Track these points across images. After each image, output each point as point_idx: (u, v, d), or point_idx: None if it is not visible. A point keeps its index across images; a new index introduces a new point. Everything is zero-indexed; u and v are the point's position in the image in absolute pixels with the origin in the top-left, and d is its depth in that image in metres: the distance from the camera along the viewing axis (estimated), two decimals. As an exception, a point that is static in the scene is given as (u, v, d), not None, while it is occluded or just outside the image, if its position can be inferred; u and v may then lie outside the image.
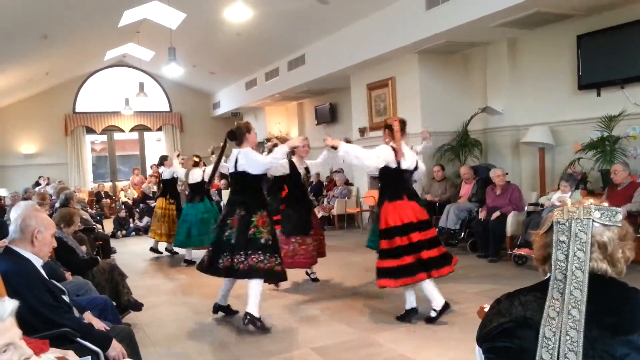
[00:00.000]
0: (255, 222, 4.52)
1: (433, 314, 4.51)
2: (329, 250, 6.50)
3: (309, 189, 7.75)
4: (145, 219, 11.86)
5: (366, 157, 4.56)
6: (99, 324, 2.97)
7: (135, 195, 13.70)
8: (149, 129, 17.13)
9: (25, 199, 8.73)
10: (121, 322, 3.79)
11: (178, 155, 8.55)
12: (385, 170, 4.59)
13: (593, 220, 1.33)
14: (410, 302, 4.60)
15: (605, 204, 1.37)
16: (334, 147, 4.59)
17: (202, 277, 6.84)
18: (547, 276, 1.41)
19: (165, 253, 8.75)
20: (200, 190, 7.82)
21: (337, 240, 8.87)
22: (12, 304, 1.63)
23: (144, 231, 11.65)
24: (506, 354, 1.36)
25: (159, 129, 17.22)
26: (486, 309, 1.74)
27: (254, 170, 4.61)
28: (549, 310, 1.30)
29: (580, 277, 1.29)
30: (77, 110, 16.16)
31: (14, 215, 2.82)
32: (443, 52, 8.38)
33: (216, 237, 4.68)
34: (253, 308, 4.46)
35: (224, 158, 5.09)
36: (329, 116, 12.59)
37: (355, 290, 5.76)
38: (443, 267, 4.53)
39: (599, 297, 1.29)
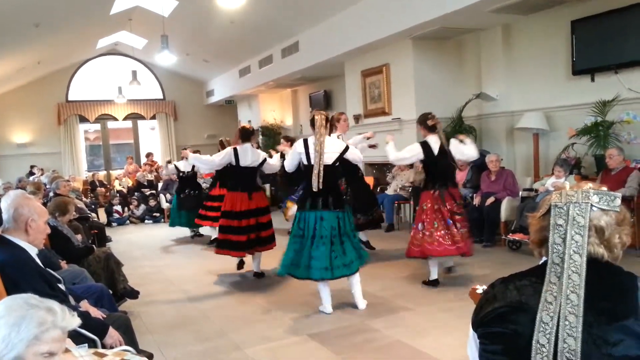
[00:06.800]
0: None
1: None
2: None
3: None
4: (142, 207, 11.86)
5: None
6: (96, 312, 2.98)
7: (130, 184, 13.68)
8: (142, 117, 17.02)
9: (19, 188, 8.68)
10: (117, 310, 3.80)
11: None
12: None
13: (591, 205, 1.31)
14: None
15: (604, 188, 1.35)
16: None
17: (196, 264, 6.90)
18: (543, 260, 1.40)
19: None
20: None
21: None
22: (78, 321, 1.66)
23: (141, 220, 11.66)
24: (500, 339, 1.35)
25: (153, 117, 17.10)
26: (478, 291, 1.74)
27: None
28: (546, 295, 1.29)
29: (578, 260, 1.28)
30: (70, 99, 16.04)
31: (4, 204, 2.80)
32: (437, 38, 8.34)
33: None
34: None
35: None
36: (323, 103, 12.52)
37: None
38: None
39: (594, 282, 1.28)
